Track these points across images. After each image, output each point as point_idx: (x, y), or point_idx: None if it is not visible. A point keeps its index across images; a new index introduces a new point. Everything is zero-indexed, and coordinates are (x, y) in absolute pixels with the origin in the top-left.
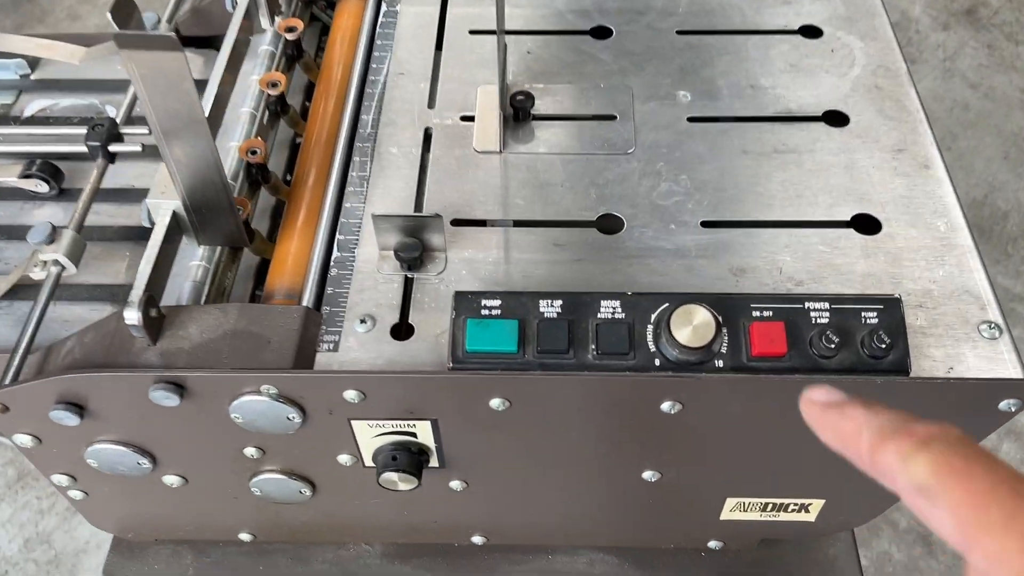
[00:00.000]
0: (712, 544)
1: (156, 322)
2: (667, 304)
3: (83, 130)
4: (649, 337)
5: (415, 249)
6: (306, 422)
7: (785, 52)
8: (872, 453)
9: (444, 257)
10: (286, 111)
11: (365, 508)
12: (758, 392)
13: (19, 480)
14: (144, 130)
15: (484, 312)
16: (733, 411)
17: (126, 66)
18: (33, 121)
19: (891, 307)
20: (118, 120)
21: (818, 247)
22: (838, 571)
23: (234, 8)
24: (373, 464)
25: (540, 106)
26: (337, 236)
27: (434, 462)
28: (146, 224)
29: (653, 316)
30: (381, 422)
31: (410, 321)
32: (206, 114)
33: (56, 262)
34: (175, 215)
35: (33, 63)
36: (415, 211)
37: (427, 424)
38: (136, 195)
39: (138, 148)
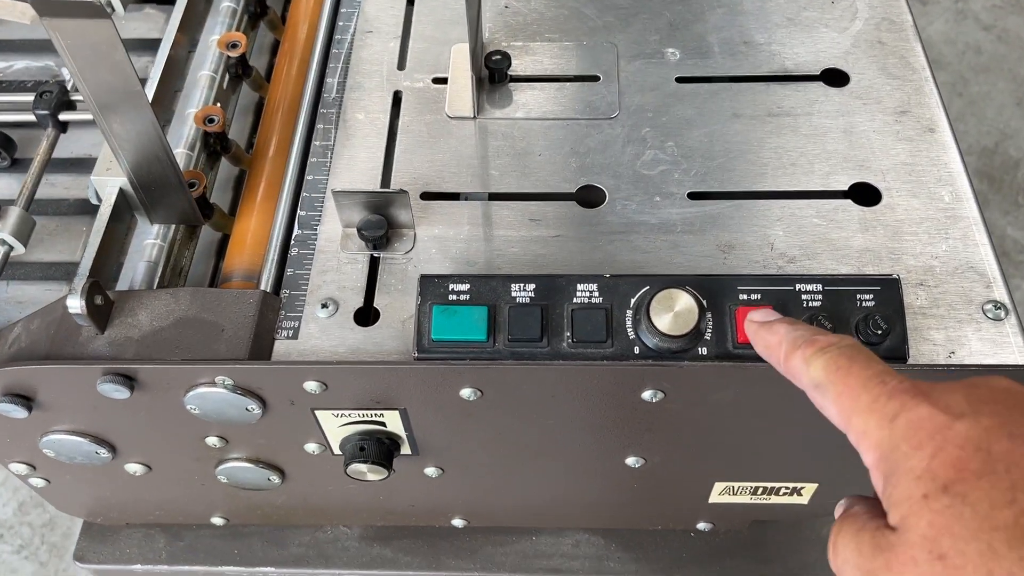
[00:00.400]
0: (701, 526)
1: (103, 310)
2: (648, 287)
3: (32, 97)
4: (628, 323)
5: (380, 227)
6: (267, 412)
7: (782, 4)
8: (786, 360)
9: (412, 235)
10: (248, 73)
11: (340, 493)
12: (744, 380)
13: None
14: None
15: (452, 297)
16: (719, 398)
17: (51, 35)
18: None
19: (889, 289)
20: (69, 85)
21: (813, 220)
22: None
23: None
24: (341, 452)
25: (518, 66)
26: (298, 212)
27: (406, 449)
28: (94, 202)
29: (633, 301)
30: (347, 412)
31: (375, 305)
32: (156, 80)
33: (3, 241)
34: (123, 192)
35: None
36: (382, 183)
37: (395, 413)
38: (92, 165)
39: (91, 116)
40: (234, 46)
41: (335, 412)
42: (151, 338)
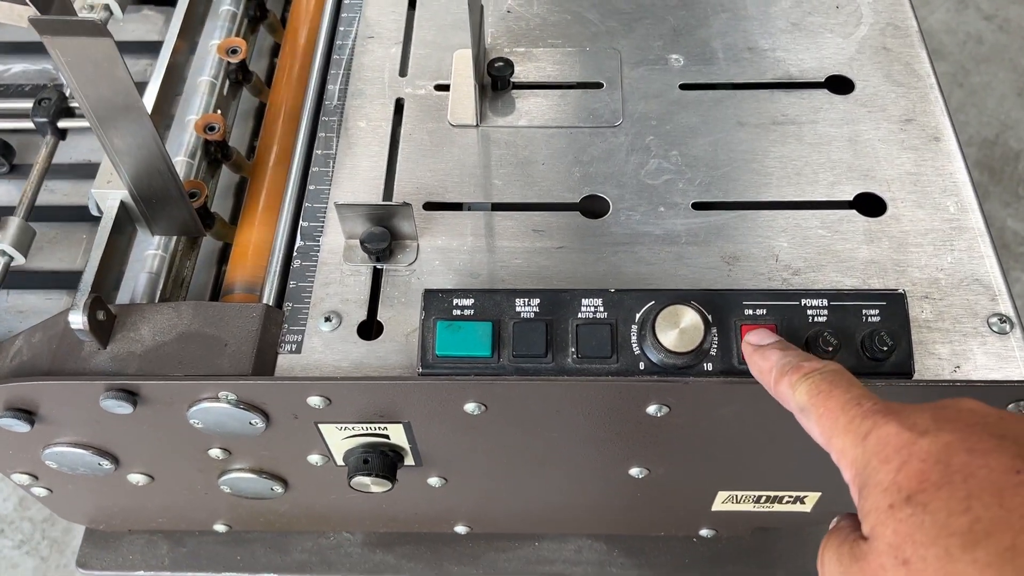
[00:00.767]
0: (704, 532)
1: (105, 325)
2: (653, 302)
3: (31, 103)
4: (633, 338)
5: (383, 239)
6: (271, 426)
7: (786, 9)
8: (775, 385)
9: (415, 246)
10: (248, 79)
11: (343, 501)
12: (749, 396)
13: None
14: None
15: (456, 312)
16: (723, 413)
17: (51, 52)
18: None
19: (895, 304)
20: (67, 92)
21: (818, 231)
22: None
23: None
24: (344, 464)
25: (520, 73)
26: (301, 223)
27: (409, 461)
28: (95, 213)
29: (638, 316)
30: (351, 425)
31: (379, 318)
32: (156, 88)
33: (3, 252)
34: (123, 205)
35: None
36: (385, 193)
37: (399, 427)
38: (93, 171)
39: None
40: (234, 52)
41: (339, 425)
42: (154, 353)
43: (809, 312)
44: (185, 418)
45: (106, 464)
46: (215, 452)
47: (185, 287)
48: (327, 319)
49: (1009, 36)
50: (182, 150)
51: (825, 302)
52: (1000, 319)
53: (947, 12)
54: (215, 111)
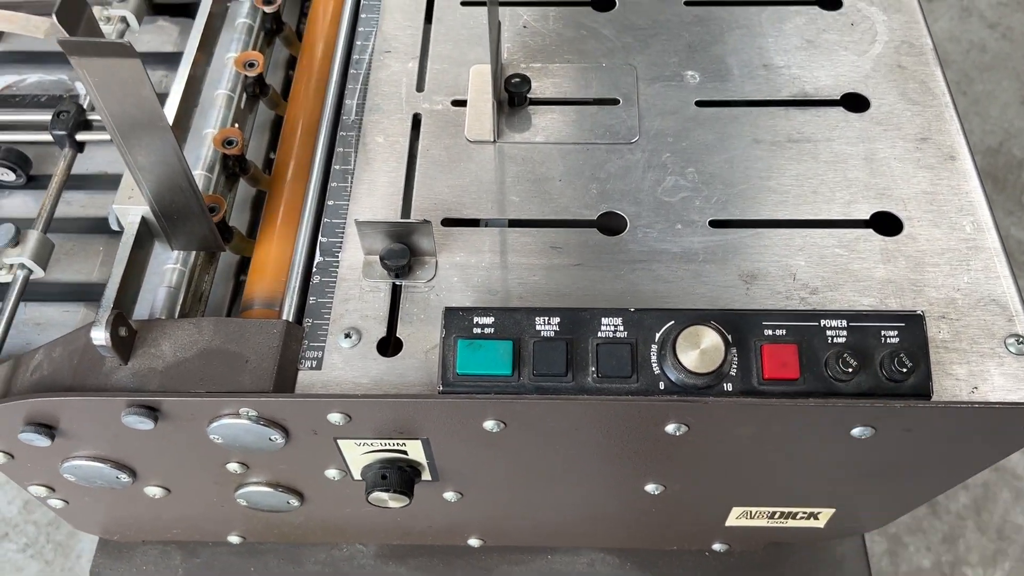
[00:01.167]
0: (717, 547)
1: (127, 341)
2: (672, 322)
3: (49, 116)
4: (653, 358)
5: (402, 256)
6: (290, 441)
7: (801, 26)
8: None
9: (434, 262)
10: (265, 92)
11: (357, 514)
12: (769, 417)
13: None
14: None
15: (476, 331)
16: (741, 432)
17: (78, 72)
18: None
19: (913, 325)
20: (85, 104)
21: (835, 250)
22: (846, 572)
23: None
24: (362, 479)
25: (537, 88)
26: (320, 239)
27: (426, 476)
28: (114, 227)
29: (658, 336)
30: (369, 441)
31: (398, 335)
32: (176, 103)
33: (22, 265)
34: (144, 221)
35: None
36: (403, 209)
37: (418, 443)
38: (109, 182)
39: (108, 136)
40: (252, 65)
41: (357, 441)
42: (175, 369)
43: (828, 333)
44: (205, 433)
45: (124, 477)
46: (233, 466)
47: (204, 301)
48: (347, 335)
49: (1012, 44)
50: (200, 164)
51: (844, 323)
52: (1017, 340)
53: (950, 20)
54: (232, 125)
